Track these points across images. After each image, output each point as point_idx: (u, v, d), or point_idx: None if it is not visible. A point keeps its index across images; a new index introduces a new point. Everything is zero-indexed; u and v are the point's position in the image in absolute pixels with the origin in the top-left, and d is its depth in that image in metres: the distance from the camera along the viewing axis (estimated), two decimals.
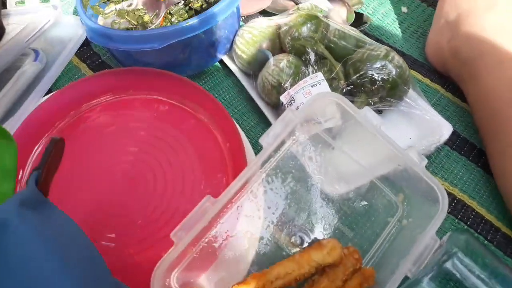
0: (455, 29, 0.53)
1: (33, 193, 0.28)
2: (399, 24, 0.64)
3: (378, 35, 0.62)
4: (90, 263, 0.29)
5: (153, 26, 0.55)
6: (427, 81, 0.57)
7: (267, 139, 0.38)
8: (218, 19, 0.49)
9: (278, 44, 0.53)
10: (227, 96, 0.56)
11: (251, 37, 0.53)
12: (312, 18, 0.52)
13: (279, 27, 0.53)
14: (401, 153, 0.39)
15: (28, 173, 0.45)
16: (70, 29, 0.57)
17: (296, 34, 0.50)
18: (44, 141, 0.48)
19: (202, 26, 0.48)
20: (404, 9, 0.65)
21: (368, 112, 0.40)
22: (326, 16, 0.55)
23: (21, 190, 0.28)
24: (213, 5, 0.49)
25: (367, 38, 0.53)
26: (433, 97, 0.56)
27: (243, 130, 0.50)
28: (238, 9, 0.54)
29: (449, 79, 0.57)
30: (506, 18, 0.50)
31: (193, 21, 0.47)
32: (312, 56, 0.50)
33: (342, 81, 0.49)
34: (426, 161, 0.39)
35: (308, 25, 0.51)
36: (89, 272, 0.28)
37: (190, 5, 0.55)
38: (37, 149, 0.47)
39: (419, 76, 0.58)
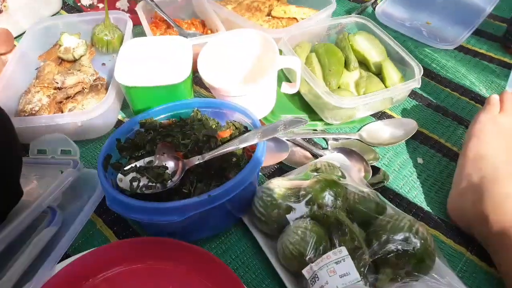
0: (480, 195, 0.53)
1: None
2: (416, 176, 0.64)
3: (396, 189, 0.62)
4: None
5: (172, 184, 0.55)
6: (451, 242, 0.56)
7: None
8: (240, 188, 0.49)
9: None
10: (244, 258, 0.54)
11: (270, 200, 0.52)
12: (331, 184, 0.51)
13: (298, 189, 0.53)
14: None
15: None
16: (89, 184, 0.57)
17: (318, 203, 0.50)
18: None
19: (223, 197, 0.48)
20: (420, 160, 0.66)
21: None
22: (343, 175, 0.55)
23: None
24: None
25: (387, 201, 0.53)
26: (458, 261, 0.54)
27: None
28: (258, 172, 0.54)
29: (473, 238, 0.55)
30: None
31: (215, 193, 0.47)
32: (335, 226, 0.49)
33: (365, 254, 0.47)
34: None
35: (328, 192, 0.50)
36: None
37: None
38: None
39: (442, 237, 0.56)
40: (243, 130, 0.60)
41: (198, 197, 0.47)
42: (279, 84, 0.69)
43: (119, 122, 0.72)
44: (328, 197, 0.50)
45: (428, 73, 0.81)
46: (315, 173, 0.55)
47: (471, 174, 0.56)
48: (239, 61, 0.71)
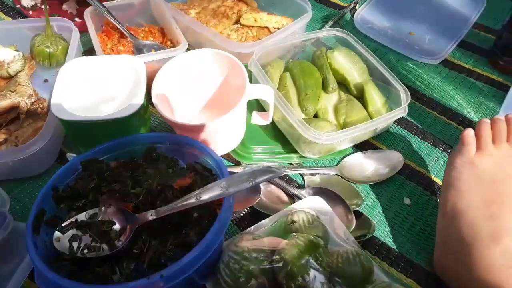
0: (460, 261, 0.47)
1: None
2: (403, 219, 0.57)
3: (381, 237, 0.55)
4: None
5: (120, 245, 0.46)
6: None
7: None
8: (202, 260, 0.40)
9: (271, 276, 0.44)
10: None
11: (239, 268, 0.44)
12: (311, 249, 0.43)
13: (271, 253, 0.45)
14: None
15: None
16: (22, 241, 0.47)
17: (299, 280, 0.42)
18: None
19: (180, 275, 0.39)
20: (407, 201, 0.59)
21: None
22: (323, 233, 0.48)
23: None
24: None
25: (373, 262, 0.46)
26: None
27: None
28: (224, 234, 0.45)
29: None
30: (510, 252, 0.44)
31: (169, 272, 0.38)
32: None
33: None
34: None
35: (310, 264, 0.42)
36: None
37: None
38: None
39: None
40: (206, 174, 0.51)
41: (147, 279, 0.38)
42: (250, 111, 0.60)
43: (62, 154, 0.62)
44: (312, 271, 0.42)
45: (413, 92, 0.73)
46: (292, 232, 0.47)
47: (451, 233, 0.49)
48: (202, 87, 0.61)
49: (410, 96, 0.60)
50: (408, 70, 0.78)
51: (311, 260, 0.43)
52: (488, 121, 0.53)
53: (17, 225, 0.50)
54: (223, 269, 0.45)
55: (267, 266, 0.43)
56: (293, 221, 0.48)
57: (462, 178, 0.50)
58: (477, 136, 0.52)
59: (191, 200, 0.45)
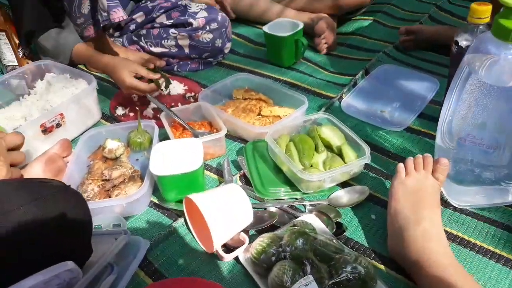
0: (401, 238, 0.76)
1: None
2: (370, 228, 0.87)
3: (355, 238, 0.85)
4: None
5: None
6: (393, 273, 0.78)
7: None
8: None
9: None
10: None
11: (261, 249, 0.75)
12: (302, 234, 0.75)
13: (280, 239, 0.76)
14: None
15: None
16: (134, 247, 0.81)
17: (293, 247, 0.73)
18: None
19: None
20: (373, 216, 0.89)
21: None
22: (313, 229, 0.79)
23: None
24: None
25: (343, 245, 0.76)
26: (399, 285, 0.75)
27: None
28: None
29: None
30: (429, 228, 0.74)
31: None
32: (305, 261, 0.72)
33: (326, 280, 0.69)
34: None
35: (300, 240, 0.74)
36: None
37: None
38: None
39: (387, 270, 0.78)
40: None
41: None
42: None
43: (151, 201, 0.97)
44: (300, 242, 0.73)
45: (381, 151, 1.06)
46: (294, 227, 0.78)
47: (394, 225, 0.79)
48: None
49: (369, 149, 0.93)
50: (379, 136, 1.12)
51: (302, 240, 0.74)
52: (412, 158, 0.85)
53: (130, 237, 0.84)
54: (252, 250, 0.76)
55: (278, 246, 0.75)
56: (294, 225, 0.80)
57: (397, 192, 0.82)
58: (405, 167, 0.84)
59: None
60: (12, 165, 0.83)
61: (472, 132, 0.83)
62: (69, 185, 0.71)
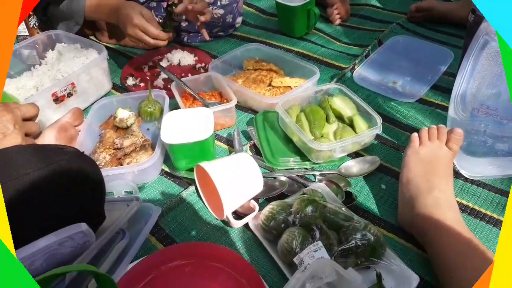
0: (411, 208, 0.76)
1: None
2: (380, 197, 0.87)
3: (365, 208, 0.85)
4: None
5: None
6: (402, 241, 0.78)
7: None
8: None
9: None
10: (255, 257, 0.77)
11: (271, 215, 0.76)
12: (312, 202, 0.75)
13: (290, 206, 0.77)
14: None
15: None
16: (145, 213, 0.82)
17: (303, 214, 0.73)
18: None
19: None
20: (383, 186, 0.89)
21: (351, 272, 0.61)
22: (323, 197, 0.79)
23: None
24: None
25: (353, 213, 0.76)
26: (407, 254, 0.76)
27: (268, 285, 0.70)
28: None
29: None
30: (441, 197, 0.74)
31: None
32: (314, 228, 0.72)
33: (336, 247, 0.70)
34: None
35: (309, 207, 0.74)
36: None
37: None
38: None
39: (396, 238, 0.79)
40: None
41: None
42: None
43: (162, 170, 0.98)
44: (310, 210, 0.74)
45: (393, 122, 1.06)
46: (304, 195, 0.79)
47: (405, 194, 0.79)
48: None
49: (381, 119, 0.92)
50: (391, 107, 1.10)
51: (312, 207, 0.74)
52: (426, 128, 0.85)
53: (142, 203, 0.85)
54: (262, 216, 0.77)
55: (287, 213, 0.75)
56: (304, 193, 0.80)
57: (410, 161, 0.82)
58: (419, 136, 0.84)
59: None
60: (26, 135, 0.84)
61: (486, 102, 0.82)
62: (83, 151, 0.72)
